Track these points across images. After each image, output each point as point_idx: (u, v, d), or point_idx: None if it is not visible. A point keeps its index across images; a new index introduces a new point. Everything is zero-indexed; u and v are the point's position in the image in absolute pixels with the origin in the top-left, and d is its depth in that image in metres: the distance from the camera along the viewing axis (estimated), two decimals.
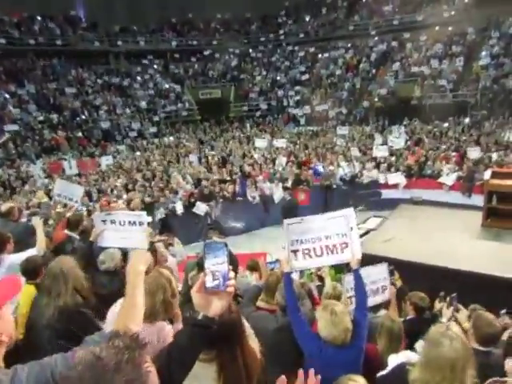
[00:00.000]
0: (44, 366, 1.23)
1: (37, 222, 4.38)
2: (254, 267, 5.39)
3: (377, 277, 4.09)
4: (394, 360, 2.58)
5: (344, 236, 3.13)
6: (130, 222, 4.58)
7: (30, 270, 3.34)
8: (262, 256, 5.78)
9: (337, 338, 2.63)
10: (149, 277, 2.38)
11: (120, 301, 2.41)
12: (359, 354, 2.72)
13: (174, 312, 2.49)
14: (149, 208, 10.41)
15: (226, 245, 1.38)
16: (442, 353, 1.95)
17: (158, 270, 2.53)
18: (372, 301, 3.81)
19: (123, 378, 0.82)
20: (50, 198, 6.98)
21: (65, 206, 6.89)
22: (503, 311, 3.50)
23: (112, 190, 11.55)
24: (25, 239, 4.25)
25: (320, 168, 12.80)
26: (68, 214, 5.43)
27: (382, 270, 4.05)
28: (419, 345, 2.95)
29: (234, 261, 4.63)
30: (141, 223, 4.58)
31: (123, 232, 4.51)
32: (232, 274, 1.38)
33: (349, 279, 3.69)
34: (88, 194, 10.82)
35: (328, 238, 3.15)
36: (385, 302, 4.17)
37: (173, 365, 1.33)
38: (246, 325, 2.15)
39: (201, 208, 10.75)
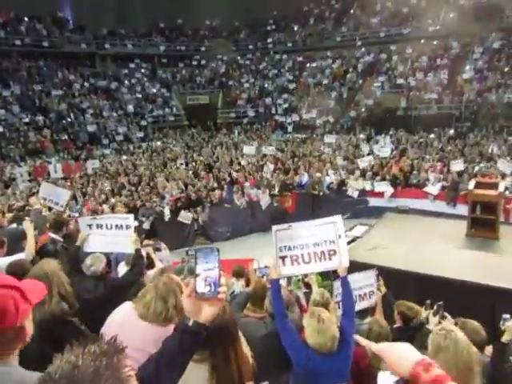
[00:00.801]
0: None
1: (27, 225, 4.31)
2: (240, 273, 5.36)
3: (364, 282, 4.10)
4: (385, 377, 2.51)
5: (332, 243, 3.12)
6: (117, 226, 4.54)
7: (14, 275, 3.25)
8: (250, 262, 5.75)
9: (323, 346, 2.60)
10: (159, 282, 2.37)
11: (122, 307, 2.39)
12: (346, 362, 2.69)
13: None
14: (133, 213, 10.31)
15: (217, 250, 1.35)
16: (450, 357, 1.94)
17: (168, 276, 2.51)
18: (359, 306, 3.82)
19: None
20: (50, 209, 6.85)
21: (50, 209, 6.77)
22: (507, 316, 3.46)
23: (99, 195, 11.38)
24: (11, 245, 4.14)
25: (305, 179, 12.81)
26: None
27: (370, 275, 4.07)
28: None
29: None
30: (128, 226, 4.55)
31: (110, 236, 4.46)
32: (223, 280, 1.36)
33: (337, 285, 3.70)
34: (74, 198, 10.67)
35: (316, 245, 3.13)
36: (371, 309, 4.18)
37: (162, 370, 1.30)
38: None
39: (185, 217, 10.69)
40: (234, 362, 1.84)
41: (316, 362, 2.62)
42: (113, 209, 9.32)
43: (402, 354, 1.20)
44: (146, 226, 9.89)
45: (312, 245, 3.13)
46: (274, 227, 3.22)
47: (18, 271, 3.24)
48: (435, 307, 3.54)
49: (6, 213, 7.09)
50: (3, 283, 1.43)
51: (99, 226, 4.51)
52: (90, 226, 4.56)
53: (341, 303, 3.04)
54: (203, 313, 1.33)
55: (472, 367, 1.94)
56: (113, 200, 10.67)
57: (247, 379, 1.88)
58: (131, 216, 4.82)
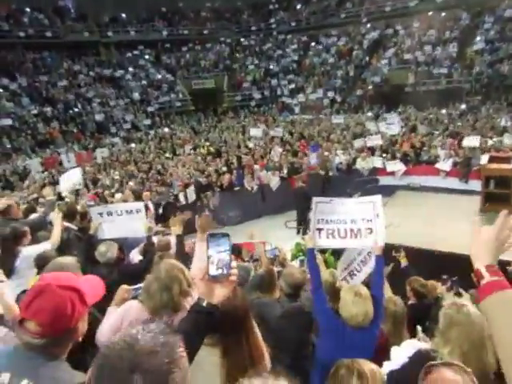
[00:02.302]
0: None
1: (55, 216, 4.40)
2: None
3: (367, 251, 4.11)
4: (398, 352, 2.52)
5: (369, 222, 3.20)
6: (127, 211, 4.67)
7: (43, 267, 3.32)
8: (262, 244, 5.77)
9: (354, 318, 2.65)
10: (161, 270, 2.35)
11: (124, 307, 2.42)
12: (374, 339, 2.73)
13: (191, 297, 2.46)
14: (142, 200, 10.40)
15: (228, 235, 1.43)
16: (463, 331, 1.95)
17: (169, 262, 2.48)
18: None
19: (158, 361, 0.86)
20: (61, 198, 7.08)
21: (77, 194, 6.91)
22: None
23: (112, 184, 11.41)
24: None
25: (313, 159, 12.74)
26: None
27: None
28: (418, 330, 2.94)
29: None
30: (138, 210, 4.67)
31: (121, 221, 4.59)
32: (234, 262, 1.43)
33: (343, 259, 3.84)
34: (86, 186, 10.76)
35: (353, 222, 3.23)
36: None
37: None
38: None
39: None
40: (246, 346, 1.84)
41: (345, 333, 2.67)
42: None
43: (486, 251, 1.23)
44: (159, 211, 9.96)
45: (350, 221, 3.23)
46: (315, 199, 3.34)
47: (46, 264, 3.32)
48: (449, 283, 3.54)
49: (20, 205, 7.21)
50: (64, 284, 1.45)
51: (109, 214, 4.64)
52: (100, 214, 4.66)
53: (373, 279, 3.08)
54: (216, 294, 1.41)
55: (485, 342, 1.94)
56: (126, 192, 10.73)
57: (260, 361, 1.88)
58: (140, 203, 4.94)
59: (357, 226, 3.21)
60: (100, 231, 4.61)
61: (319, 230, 3.25)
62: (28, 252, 3.66)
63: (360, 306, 2.64)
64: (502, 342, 1.07)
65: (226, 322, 1.89)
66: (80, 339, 1.52)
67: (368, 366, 1.83)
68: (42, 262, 3.33)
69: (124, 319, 2.34)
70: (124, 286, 2.86)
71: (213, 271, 1.38)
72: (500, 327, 1.08)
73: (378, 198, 3.27)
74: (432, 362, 1.48)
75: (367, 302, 2.67)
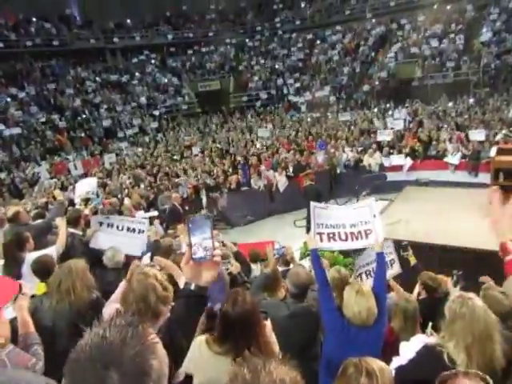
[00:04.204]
0: None
1: (60, 221, 4.46)
2: (256, 258, 5.41)
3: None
4: (406, 347, 2.51)
5: (368, 223, 3.28)
6: (128, 229, 4.57)
7: (41, 270, 3.36)
8: (270, 244, 5.77)
9: (357, 317, 2.64)
10: (134, 282, 2.31)
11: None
12: (380, 337, 2.72)
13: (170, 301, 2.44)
14: (153, 203, 10.45)
15: (209, 217, 1.46)
16: (466, 324, 1.94)
17: (141, 273, 2.40)
18: None
19: (131, 352, 0.84)
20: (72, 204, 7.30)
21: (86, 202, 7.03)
22: None
23: (121, 189, 11.45)
24: (36, 241, 4.25)
25: (321, 157, 12.71)
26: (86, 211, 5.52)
27: (386, 245, 4.04)
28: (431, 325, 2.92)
29: (243, 262, 4.63)
30: (140, 231, 4.55)
31: (119, 237, 4.50)
32: (217, 243, 1.48)
33: (362, 257, 3.89)
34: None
35: (353, 225, 3.31)
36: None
37: (175, 336, 1.40)
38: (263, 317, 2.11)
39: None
40: (257, 352, 1.83)
41: (350, 332, 2.66)
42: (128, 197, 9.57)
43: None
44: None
45: (349, 225, 3.31)
46: (313, 203, 3.41)
47: (42, 267, 3.35)
48: (454, 278, 3.51)
49: (30, 211, 7.32)
50: None
51: (110, 225, 4.59)
52: (100, 223, 4.64)
53: (375, 276, 3.12)
54: (203, 276, 1.43)
55: (490, 336, 1.92)
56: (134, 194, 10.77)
57: None
58: (146, 221, 4.83)
59: (356, 229, 3.28)
60: (93, 239, 4.58)
61: (320, 234, 3.30)
62: (32, 258, 3.70)
63: (362, 303, 2.63)
64: None
65: (235, 328, 1.88)
66: (3, 342, 1.50)
67: (376, 363, 1.80)
68: (36, 267, 3.37)
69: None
70: (136, 262, 3.15)
71: (196, 255, 1.40)
72: None
73: (372, 200, 3.43)
74: (446, 373, 1.46)
75: (369, 298, 2.66)
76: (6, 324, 1.50)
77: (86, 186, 7.31)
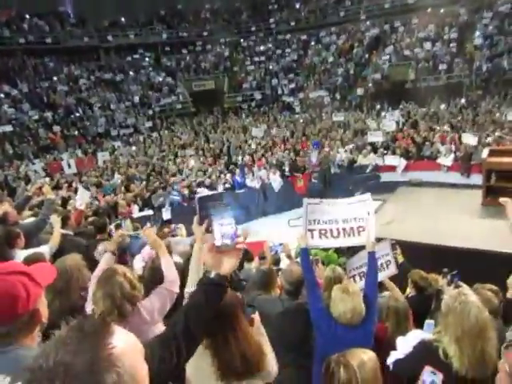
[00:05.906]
0: None
1: (55, 219, 4.43)
2: (250, 257, 5.43)
3: (379, 253, 4.11)
4: (403, 342, 2.54)
5: (361, 220, 3.21)
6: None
7: None
8: (266, 241, 5.79)
9: (343, 316, 2.63)
10: (102, 279, 2.34)
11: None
12: (369, 337, 2.71)
13: (138, 300, 2.41)
14: (146, 203, 10.43)
15: (229, 205, 1.49)
16: (456, 317, 1.98)
17: (110, 269, 2.45)
18: (380, 277, 3.85)
19: (79, 368, 0.77)
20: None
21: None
22: None
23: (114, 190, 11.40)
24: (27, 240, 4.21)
25: (314, 157, 12.75)
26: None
27: (384, 246, 4.06)
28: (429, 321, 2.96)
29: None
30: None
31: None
32: (240, 231, 1.47)
33: (354, 259, 3.75)
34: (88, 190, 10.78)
35: (345, 221, 3.23)
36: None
37: (192, 324, 1.39)
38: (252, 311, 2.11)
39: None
40: (235, 346, 1.82)
41: (338, 332, 2.65)
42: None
43: None
44: (167, 215, 9.96)
45: (341, 221, 3.23)
46: (306, 200, 3.32)
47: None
48: (449, 277, 3.55)
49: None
50: (10, 270, 1.45)
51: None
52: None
53: (366, 277, 3.09)
54: (224, 265, 1.44)
55: (482, 333, 1.96)
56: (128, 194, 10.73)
57: (254, 358, 1.87)
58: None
59: (349, 225, 3.21)
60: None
61: (311, 230, 3.23)
62: (24, 255, 3.66)
63: (347, 303, 2.62)
64: None
65: (213, 323, 1.88)
66: (45, 321, 1.50)
67: (358, 357, 1.79)
68: (27, 265, 3.31)
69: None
70: (120, 231, 3.34)
71: (219, 242, 1.42)
72: None
73: (367, 196, 3.30)
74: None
75: (355, 298, 2.65)
76: (46, 305, 1.55)
77: (84, 196, 8.25)
